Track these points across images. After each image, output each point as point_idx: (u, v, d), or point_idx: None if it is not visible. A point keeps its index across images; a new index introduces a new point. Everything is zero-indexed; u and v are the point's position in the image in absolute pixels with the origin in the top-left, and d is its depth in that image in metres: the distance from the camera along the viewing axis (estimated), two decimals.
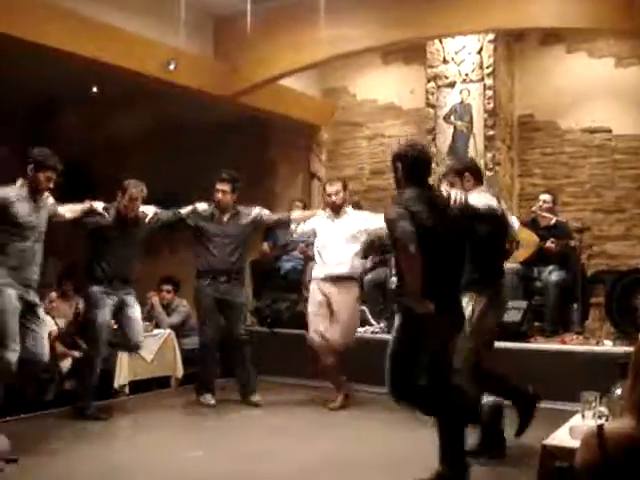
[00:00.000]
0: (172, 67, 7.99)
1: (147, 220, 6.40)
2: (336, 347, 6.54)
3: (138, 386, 7.39)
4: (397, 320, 4.14)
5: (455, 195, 4.38)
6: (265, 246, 9.06)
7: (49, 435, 5.64)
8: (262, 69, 8.75)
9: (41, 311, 5.39)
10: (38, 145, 5.31)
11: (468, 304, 4.74)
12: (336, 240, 6.65)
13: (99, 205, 6.12)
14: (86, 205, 6.08)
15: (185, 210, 6.75)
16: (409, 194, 4.07)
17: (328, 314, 6.60)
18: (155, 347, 7.52)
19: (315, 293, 6.72)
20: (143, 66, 7.88)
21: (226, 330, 6.85)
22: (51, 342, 6.61)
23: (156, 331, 7.71)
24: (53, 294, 7.25)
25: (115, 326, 6.48)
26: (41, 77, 8.71)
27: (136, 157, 10.57)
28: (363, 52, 8.93)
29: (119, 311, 6.25)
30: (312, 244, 7.85)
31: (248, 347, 6.93)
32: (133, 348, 6.53)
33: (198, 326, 6.98)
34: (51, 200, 5.46)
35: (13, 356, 4.99)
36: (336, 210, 6.71)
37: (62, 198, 5.90)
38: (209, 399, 6.74)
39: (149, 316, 7.97)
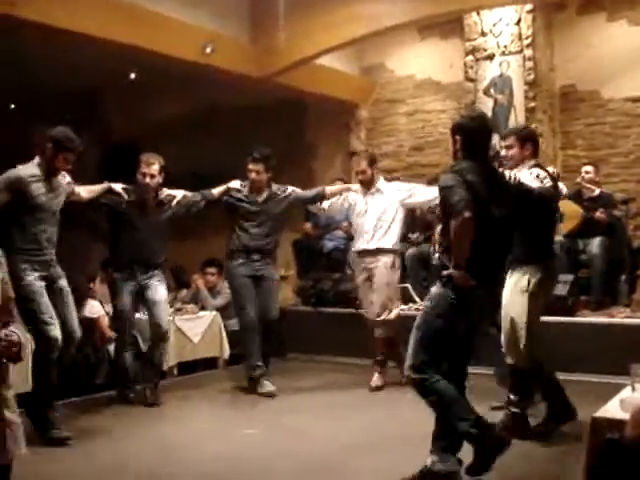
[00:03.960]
0: (209, 50, 7.99)
1: (175, 202, 6.25)
2: (380, 319, 6.60)
3: (184, 367, 7.49)
4: (435, 289, 3.95)
5: (510, 175, 4.39)
6: (307, 226, 9.10)
7: (101, 417, 5.78)
8: (298, 48, 8.71)
9: (65, 286, 5.20)
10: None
11: (523, 277, 4.71)
12: (368, 215, 6.71)
13: (117, 186, 6.03)
14: (105, 185, 5.99)
15: (217, 190, 6.58)
16: (466, 164, 3.93)
17: (369, 287, 6.70)
18: (201, 329, 7.63)
19: (356, 268, 6.93)
20: (180, 51, 7.87)
21: (259, 309, 6.56)
22: (100, 326, 6.77)
23: (202, 313, 7.81)
24: (98, 279, 7.36)
25: (144, 313, 6.53)
26: (81, 64, 8.79)
27: (176, 140, 10.63)
28: (399, 27, 8.83)
29: (141, 296, 6.17)
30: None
31: (275, 330, 6.81)
32: (157, 330, 6.14)
33: (236, 309, 6.77)
34: (67, 179, 5.28)
35: (56, 332, 4.91)
36: (366, 186, 6.76)
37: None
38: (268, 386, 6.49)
39: (194, 299, 8.09)
